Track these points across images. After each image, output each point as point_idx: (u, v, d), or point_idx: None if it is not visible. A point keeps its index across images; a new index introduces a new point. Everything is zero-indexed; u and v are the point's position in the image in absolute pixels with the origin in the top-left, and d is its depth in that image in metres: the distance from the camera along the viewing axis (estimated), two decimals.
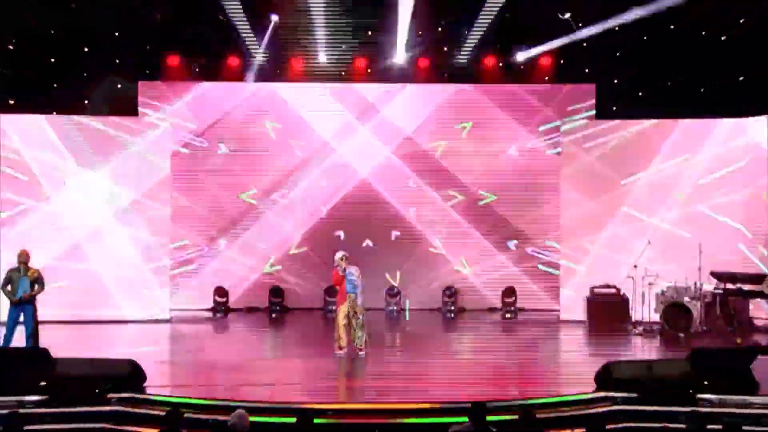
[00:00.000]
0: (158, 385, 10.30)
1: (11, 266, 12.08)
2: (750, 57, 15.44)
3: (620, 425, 9.10)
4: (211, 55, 17.42)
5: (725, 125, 15.86)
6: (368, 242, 17.74)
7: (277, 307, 17.41)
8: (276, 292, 17.54)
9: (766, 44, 15.08)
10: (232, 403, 9.03)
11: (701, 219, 15.74)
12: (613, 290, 15.53)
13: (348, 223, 17.78)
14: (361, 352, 12.12)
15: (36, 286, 11.80)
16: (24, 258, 11.85)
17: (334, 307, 16.10)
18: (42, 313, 12.06)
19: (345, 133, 17.92)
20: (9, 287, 11.77)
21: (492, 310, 17.56)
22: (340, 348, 12.20)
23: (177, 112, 17.34)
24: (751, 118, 15.71)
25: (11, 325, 11.78)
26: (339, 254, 12.47)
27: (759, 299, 14.50)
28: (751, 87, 15.64)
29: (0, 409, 8.70)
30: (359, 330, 12.12)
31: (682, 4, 14.44)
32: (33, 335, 11.80)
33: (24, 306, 11.75)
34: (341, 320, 12.18)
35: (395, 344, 14.32)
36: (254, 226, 17.75)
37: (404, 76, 17.66)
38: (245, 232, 17.75)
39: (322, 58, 17.37)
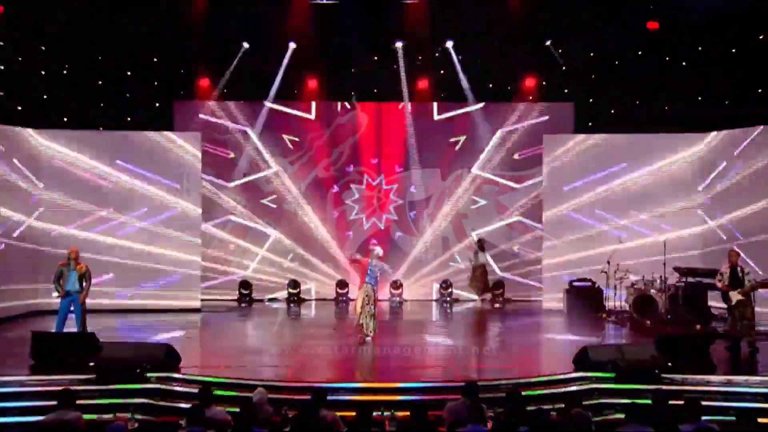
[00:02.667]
0: (191, 366, 10.37)
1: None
2: (707, 80, 15.61)
3: (595, 401, 9.16)
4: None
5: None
6: (374, 241, 17.81)
7: (294, 298, 17.46)
8: (293, 284, 17.59)
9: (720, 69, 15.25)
10: (254, 382, 9.07)
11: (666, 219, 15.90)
12: (589, 283, 15.57)
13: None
14: (368, 338, 12.13)
15: (84, 282, 11.88)
16: (74, 255, 11.94)
17: (345, 299, 16.22)
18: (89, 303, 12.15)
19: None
20: (61, 281, 11.85)
21: (483, 300, 17.57)
22: (359, 331, 12.15)
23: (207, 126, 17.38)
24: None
25: (63, 314, 11.87)
26: (377, 249, 12.35)
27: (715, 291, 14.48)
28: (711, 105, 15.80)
29: (55, 386, 8.79)
30: (369, 319, 12.11)
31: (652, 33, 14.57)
32: (82, 323, 11.88)
33: (73, 297, 11.84)
34: (358, 307, 12.11)
35: (398, 331, 14.30)
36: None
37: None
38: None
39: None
